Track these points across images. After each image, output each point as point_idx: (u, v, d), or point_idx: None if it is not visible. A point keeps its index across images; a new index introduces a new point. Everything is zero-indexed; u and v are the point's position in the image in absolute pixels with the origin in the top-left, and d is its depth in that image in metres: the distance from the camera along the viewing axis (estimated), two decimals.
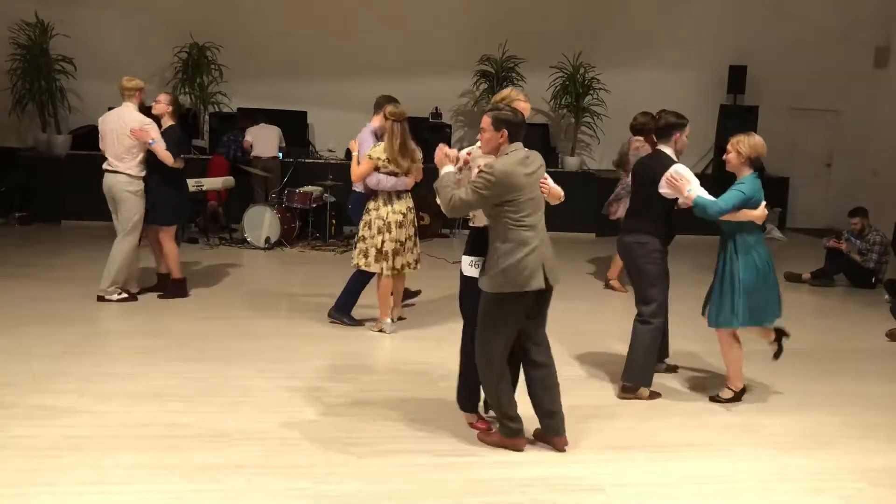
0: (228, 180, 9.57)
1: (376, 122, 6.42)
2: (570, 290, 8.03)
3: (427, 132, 11.53)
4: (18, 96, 10.77)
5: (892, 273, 8.74)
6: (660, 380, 5.49)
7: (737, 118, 11.71)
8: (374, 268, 6.10)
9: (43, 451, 3.97)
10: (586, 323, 6.90)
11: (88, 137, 10.94)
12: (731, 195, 4.84)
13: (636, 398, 5.11)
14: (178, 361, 5.42)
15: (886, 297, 8.11)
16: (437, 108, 11.84)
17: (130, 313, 6.52)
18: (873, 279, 8.89)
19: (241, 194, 10.08)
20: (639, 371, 5.11)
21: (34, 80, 10.73)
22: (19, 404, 4.55)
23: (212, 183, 9.19)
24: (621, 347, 6.12)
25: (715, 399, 5.16)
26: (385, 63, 11.58)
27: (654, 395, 5.18)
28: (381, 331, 6.29)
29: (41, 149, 10.89)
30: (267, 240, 9.47)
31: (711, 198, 4.89)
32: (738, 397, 5.16)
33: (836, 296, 8.64)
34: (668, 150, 5.12)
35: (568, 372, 5.57)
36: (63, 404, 4.57)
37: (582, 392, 5.20)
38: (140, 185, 6.72)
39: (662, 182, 4.98)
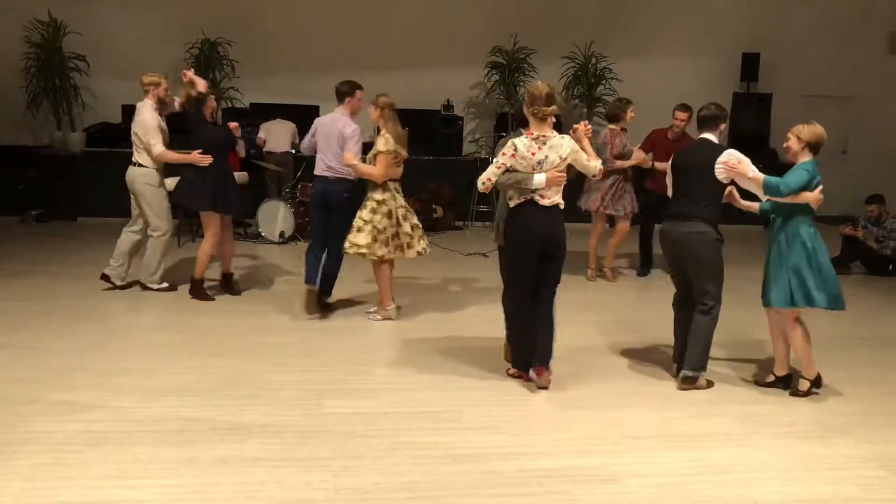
0: (242, 176, 9.59)
1: (347, 111, 6.40)
2: (581, 279, 8.03)
3: (439, 124, 11.54)
4: (33, 94, 10.86)
5: None
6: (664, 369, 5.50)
7: (750, 106, 11.65)
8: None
9: (63, 446, 4.02)
10: (599, 314, 6.88)
11: (103, 134, 11.05)
12: (797, 174, 4.90)
13: (695, 388, 5.12)
14: (196, 356, 5.46)
15: None
16: (448, 100, 11.83)
17: (148, 309, 6.57)
18: (890, 266, 8.83)
19: (254, 189, 10.11)
20: (697, 359, 5.11)
21: (48, 79, 10.82)
22: (40, 399, 4.59)
23: None
24: (634, 338, 6.13)
25: (794, 393, 5.11)
26: (397, 56, 11.58)
27: (710, 384, 5.21)
28: (388, 318, 6.42)
29: (56, 146, 10.98)
30: (281, 234, 9.50)
31: (768, 176, 4.97)
32: (816, 385, 5.12)
33: (853, 283, 8.58)
34: (713, 138, 5.19)
35: (584, 361, 5.58)
36: (82, 399, 4.62)
37: (598, 382, 5.20)
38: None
39: (719, 169, 5.02)
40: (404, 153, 6.19)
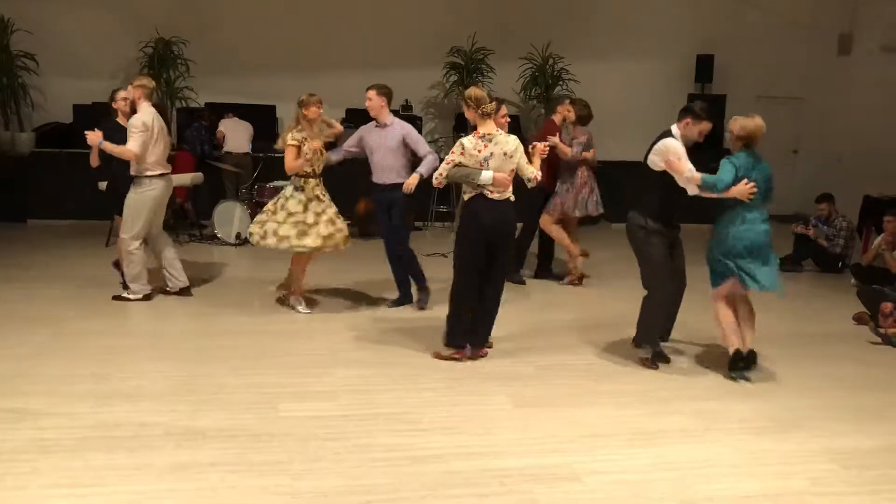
0: (197, 176, 9.46)
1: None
2: (542, 280, 8.07)
3: None
4: None
5: (858, 257, 8.87)
6: (631, 367, 5.55)
7: None
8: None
9: (12, 455, 3.91)
10: (557, 314, 6.91)
11: (53, 135, 10.80)
12: (724, 170, 5.12)
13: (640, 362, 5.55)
14: (149, 360, 5.36)
15: (853, 281, 8.26)
16: (407, 101, 11.81)
17: (98, 313, 6.43)
18: (840, 264, 9.03)
19: (211, 190, 9.98)
20: (637, 333, 5.62)
21: None
22: None
23: (179, 179, 9.06)
24: (591, 337, 6.18)
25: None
26: (354, 55, 11.52)
27: (651, 363, 5.51)
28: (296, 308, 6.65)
29: (5, 147, 10.67)
30: (237, 236, 9.38)
31: (706, 175, 5.17)
32: (734, 360, 5.36)
33: (805, 281, 8.77)
34: (674, 129, 5.34)
35: (543, 361, 5.61)
36: (32, 406, 4.50)
37: (557, 381, 5.23)
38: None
39: (654, 158, 5.23)
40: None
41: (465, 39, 11.61)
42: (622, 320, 6.51)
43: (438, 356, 5.56)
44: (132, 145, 6.32)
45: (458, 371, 5.35)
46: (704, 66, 12.46)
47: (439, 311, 6.72)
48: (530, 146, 5.55)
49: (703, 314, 6.15)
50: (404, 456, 4.06)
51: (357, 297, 7.13)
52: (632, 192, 5.73)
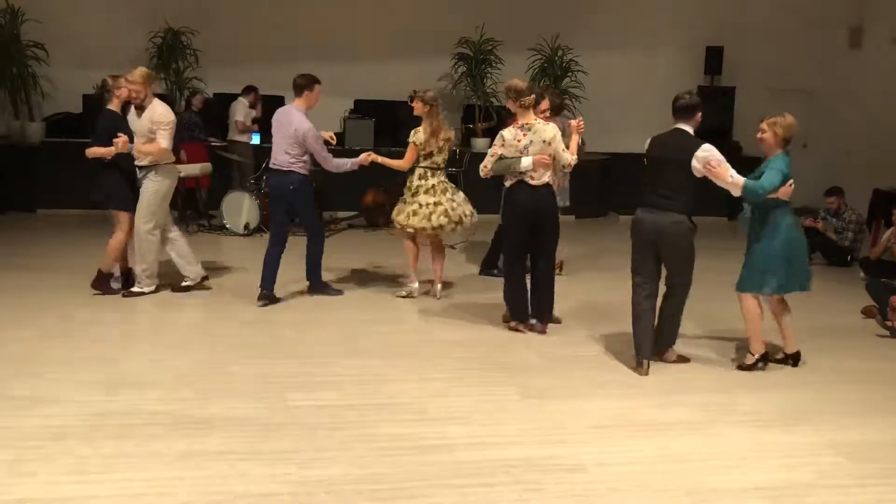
0: (206, 166, 9.46)
1: (304, 105, 6.46)
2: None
3: (406, 115, 11.48)
4: None
5: (867, 251, 8.83)
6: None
7: (714, 99, 11.78)
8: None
9: (22, 442, 3.95)
10: (562, 304, 6.91)
11: (63, 124, 10.83)
12: (773, 176, 5.08)
13: (664, 361, 5.43)
14: (158, 349, 5.39)
15: (861, 274, 8.22)
16: (415, 91, 11.77)
17: (106, 302, 6.45)
18: (849, 257, 9.00)
19: (218, 180, 9.99)
20: (672, 337, 5.46)
21: (5, 67, 10.54)
22: None
23: (189, 169, 9.08)
24: (597, 329, 6.18)
25: (741, 367, 5.41)
26: (363, 46, 11.51)
27: (683, 359, 5.51)
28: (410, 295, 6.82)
29: (14, 137, 10.70)
30: (246, 226, 9.40)
31: (747, 180, 5.11)
32: (761, 360, 5.41)
33: (813, 274, 8.70)
34: (689, 129, 5.23)
35: (549, 353, 5.62)
36: (42, 393, 4.53)
37: (563, 373, 5.24)
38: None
39: (697, 165, 5.07)
40: (440, 142, 6.55)
41: (474, 30, 11.57)
42: (624, 313, 6.50)
43: (506, 319, 6.03)
44: (164, 143, 6.31)
45: (466, 362, 5.37)
46: (714, 58, 12.38)
47: (446, 303, 6.75)
48: (566, 126, 5.72)
49: (705, 308, 6.16)
50: (411, 446, 4.08)
51: (365, 288, 7.14)
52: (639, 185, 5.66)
